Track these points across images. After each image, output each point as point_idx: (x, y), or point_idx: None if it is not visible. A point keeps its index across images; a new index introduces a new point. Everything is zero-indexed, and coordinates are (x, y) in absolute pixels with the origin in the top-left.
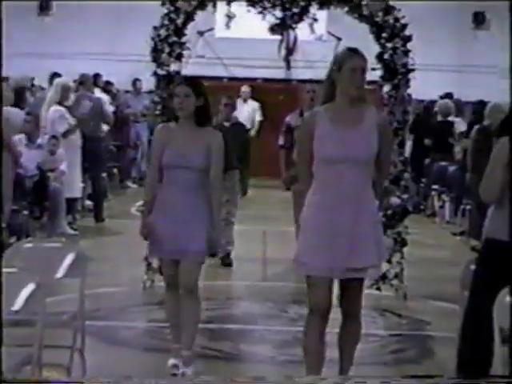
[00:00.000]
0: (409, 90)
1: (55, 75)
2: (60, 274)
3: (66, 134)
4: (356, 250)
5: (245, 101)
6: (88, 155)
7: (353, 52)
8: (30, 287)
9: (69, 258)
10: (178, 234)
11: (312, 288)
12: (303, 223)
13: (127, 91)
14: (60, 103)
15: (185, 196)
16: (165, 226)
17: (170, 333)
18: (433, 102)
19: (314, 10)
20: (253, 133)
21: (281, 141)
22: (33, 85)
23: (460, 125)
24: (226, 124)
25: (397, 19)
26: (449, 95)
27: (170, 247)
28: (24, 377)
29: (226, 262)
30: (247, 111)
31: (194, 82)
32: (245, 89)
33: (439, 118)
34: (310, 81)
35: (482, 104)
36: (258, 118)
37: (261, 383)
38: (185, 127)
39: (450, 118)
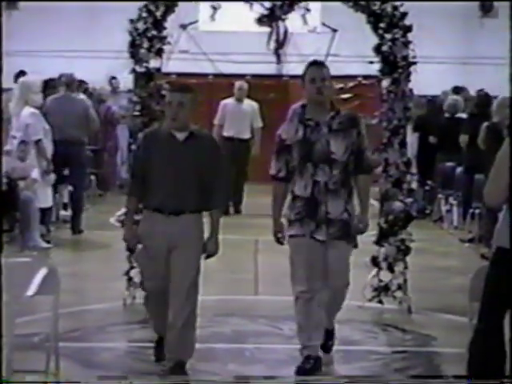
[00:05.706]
0: (410, 85)
1: (21, 74)
2: (31, 291)
3: (40, 141)
4: None
5: (239, 101)
6: (70, 161)
7: None
8: None
9: (41, 274)
10: None
11: None
12: None
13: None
14: (31, 105)
15: None
16: None
17: None
18: (437, 97)
19: None
20: (254, 150)
21: (273, 169)
22: None
23: None
24: (179, 136)
25: (395, 7)
26: (458, 89)
27: None
28: None
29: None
30: (244, 115)
31: None
32: (240, 85)
33: (446, 114)
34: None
35: (486, 96)
36: (259, 124)
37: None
38: None
39: (459, 115)
